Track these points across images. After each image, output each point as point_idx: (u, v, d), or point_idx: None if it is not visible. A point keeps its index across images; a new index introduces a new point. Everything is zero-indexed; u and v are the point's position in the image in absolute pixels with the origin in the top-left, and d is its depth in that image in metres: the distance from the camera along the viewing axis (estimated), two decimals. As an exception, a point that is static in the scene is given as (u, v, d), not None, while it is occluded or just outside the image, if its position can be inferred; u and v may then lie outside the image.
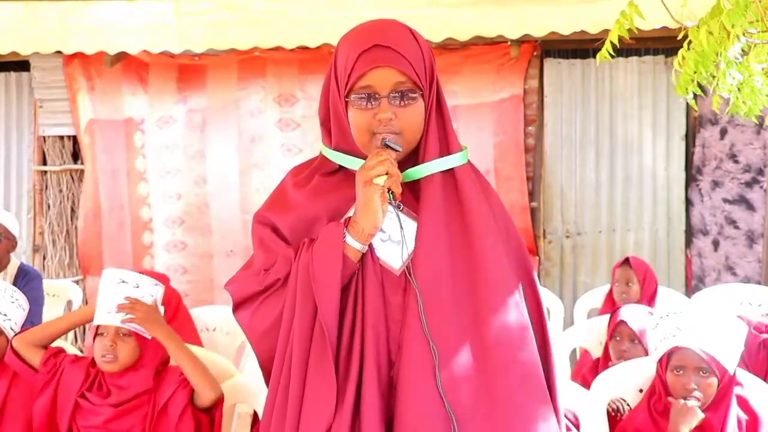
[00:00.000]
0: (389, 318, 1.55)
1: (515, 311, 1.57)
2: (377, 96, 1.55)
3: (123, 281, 2.47)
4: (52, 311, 4.00)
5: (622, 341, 2.92)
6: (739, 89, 2.14)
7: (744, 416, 2.24)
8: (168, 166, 5.17)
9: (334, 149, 1.64)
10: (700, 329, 2.21)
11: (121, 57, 4.92)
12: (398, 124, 1.55)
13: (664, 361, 2.27)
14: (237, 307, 1.65)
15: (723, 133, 4.85)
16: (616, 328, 2.94)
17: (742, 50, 2.05)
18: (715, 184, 4.89)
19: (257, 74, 5.08)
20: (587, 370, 3.08)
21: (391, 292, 1.56)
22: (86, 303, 5.09)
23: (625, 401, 2.47)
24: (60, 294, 4.19)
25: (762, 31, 1.91)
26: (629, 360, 2.69)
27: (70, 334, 4.69)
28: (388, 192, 1.53)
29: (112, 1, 4.52)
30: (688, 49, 1.96)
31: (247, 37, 4.52)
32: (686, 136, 5.03)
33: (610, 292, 3.82)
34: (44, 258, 5.32)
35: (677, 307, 2.33)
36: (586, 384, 2.57)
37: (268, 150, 5.11)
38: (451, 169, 1.61)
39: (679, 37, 2.08)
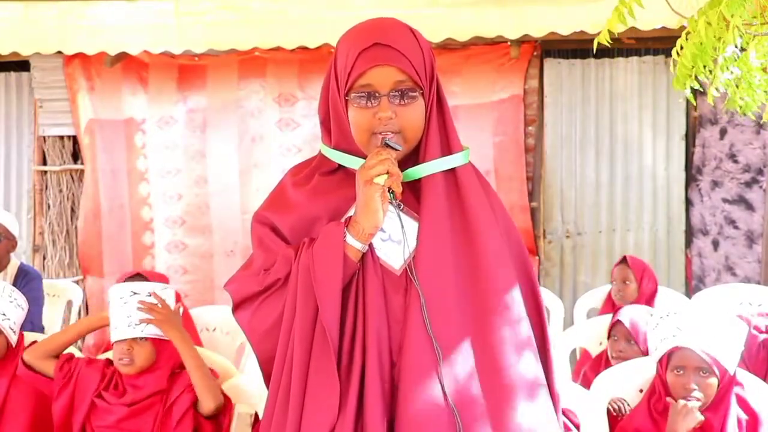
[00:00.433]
0: (390, 318, 1.55)
1: (517, 310, 1.57)
2: (377, 94, 1.54)
3: (134, 293, 2.48)
4: (52, 311, 4.01)
5: (619, 341, 2.93)
6: (737, 85, 2.13)
7: (744, 416, 2.24)
8: (168, 166, 5.17)
9: (333, 148, 1.64)
10: (701, 329, 2.21)
11: (122, 57, 4.91)
12: (398, 123, 1.54)
13: (664, 361, 2.27)
14: (237, 307, 1.64)
15: (723, 133, 4.84)
16: (614, 328, 2.96)
17: (741, 48, 2.04)
18: (715, 184, 4.89)
19: (257, 74, 5.08)
20: (589, 368, 3.09)
21: (392, 292, 1.56)
22: (86, 303, 5.09)
23: (625, 401, 2.47)
24: (60, 294, 4.19)
25: (761, 23, 1.90)
26: (626, 360, 2.69)
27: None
28: (389, 191, 1.53)
29: (112, 2, 4.52)
30: (686, 39, 1.94)
31: (247, 37, 4.51)
32: (686, 136, 5.03)
33: (610, 292, 3.82)
34: (44, 258, 5.32)
35: (677, 307, 2.34)
36: (588, 381, 2.58)
37: (268, 150, 5.10)
38: (453, 168, 1.60)
39: (678, 27, 2.06)
